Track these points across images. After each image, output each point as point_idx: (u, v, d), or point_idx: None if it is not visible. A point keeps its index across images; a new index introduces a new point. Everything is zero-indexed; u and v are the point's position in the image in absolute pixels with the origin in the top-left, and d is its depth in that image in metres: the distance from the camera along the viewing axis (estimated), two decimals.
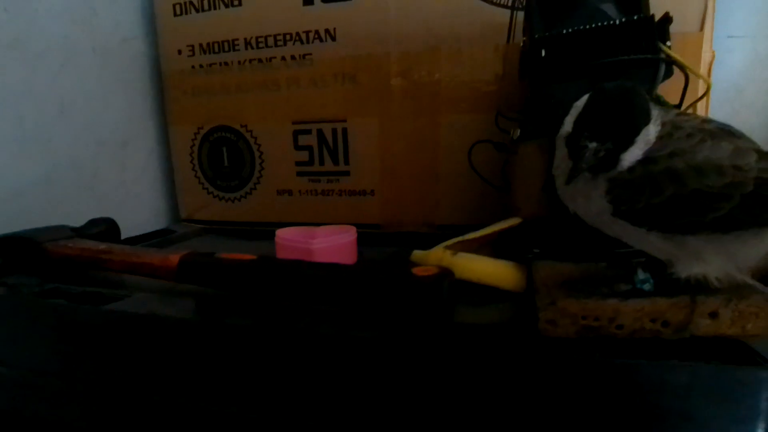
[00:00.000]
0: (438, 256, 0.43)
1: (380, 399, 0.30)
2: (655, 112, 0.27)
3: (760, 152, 0.26)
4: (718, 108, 1.18)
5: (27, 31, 0.52)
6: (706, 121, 0.27)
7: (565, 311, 0.29)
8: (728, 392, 0.26)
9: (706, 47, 0.93)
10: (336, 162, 0.61)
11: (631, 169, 0.26)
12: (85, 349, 0.37)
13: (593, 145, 0.25)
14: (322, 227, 0.55)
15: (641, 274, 0.28)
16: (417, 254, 0.46)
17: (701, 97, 0.41)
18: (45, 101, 0.55)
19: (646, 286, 0.28)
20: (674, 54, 0.38)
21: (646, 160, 0.26)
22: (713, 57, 0.92)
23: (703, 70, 0.93)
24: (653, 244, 0.27)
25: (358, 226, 0.59)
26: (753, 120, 1.21)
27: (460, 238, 0.45)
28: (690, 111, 0.48)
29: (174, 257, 0.40)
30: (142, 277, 0.41)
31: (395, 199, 0.61)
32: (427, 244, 0.45)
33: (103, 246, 0.44)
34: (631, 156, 0.26)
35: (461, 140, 0.57)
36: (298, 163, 0.63)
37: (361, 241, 0.56)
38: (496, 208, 0.54)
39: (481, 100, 0.55)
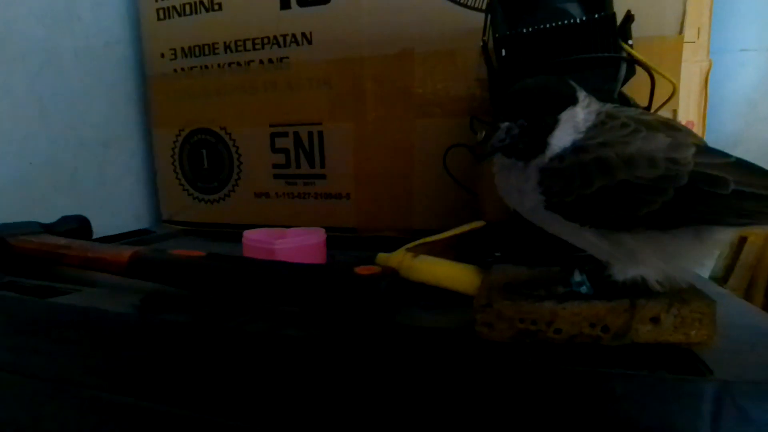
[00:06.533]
0: (399, 258, 0.42)
1: (314, 396, 0.29)
2: (587, 100, 0.26)
3: (699, 147, 0.24)
4: (730, 122, 1.15)
5: (6, 33, 0.53)
6: (646, 113, 0.26)
7: (501, 314, 0.28)
8: (667, 403, 0.24)
9: (702, 56, 0.91)
10: (312, 165, 0.61)
11: (561, 157, 0.25)
12: (30, 341, 0.37)
13: (505, 124, 0.25)
14: (291, 229, 0.55)
15: (577, 276, 0.27)
16: (381, 256, 0.45)
17: (669, 99, 0.40)
18: (24, 102, 0.56)
19: (583, 289, 0.27)
20: (636, 53, 0.37)
21: (578, 149, 0.25)
22: (710, 65, 0.90)
23: (699, 79, 0.91)
24: (589, 242, 0.26)
25: (334, 229, 0.59)
26: (766, 134, 1.17)
27: (421, 241, 0.44)
28: (665, 113, 0.46)
29: (126, 253, 0.39)
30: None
31: (370, 202, 0.60)
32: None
33: (63, 241, 0.44)
34: (559, 140, 0.25)
35: (436, 144, 0.56)
36: (275, 166, 0.63)
37: (337, 244, 0.55)
38: (470, 212, 0.53)
39: (456, 104, 0.55)
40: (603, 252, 0.26)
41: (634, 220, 0.24)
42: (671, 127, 0.26)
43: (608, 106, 0.27)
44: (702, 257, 0.25)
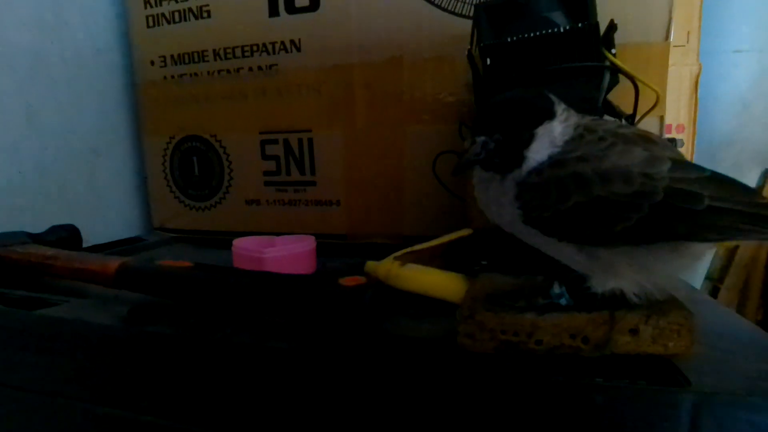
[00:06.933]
0: (387, 267, 0.42)
1: (301, 407, 0.29)
2: (565, 114, 0.26)
3: (675, 160, 0.25)
4: (724, 123, 1.15)
5: None
6: (624, 126, 0.26)
7: (483, 325, 0.28)
8: (646, 414, 0.25)
9: (692, 59, 0.91)
10: (302, 172, 0.61)
11: (539, 172, 0.25)
12: (17, 353, 0.37)
13: (481, 138, 0.25)
14: (281, 237, 0.55)
15: (557, 288, 0.27)
16: (370, 265, 0.45)
17: (653, 107, 0.40)
18: (12, 109, 0.56)
19: (562, 301, 0.27)
20: (619, 62, 0.37)
21: (555, 163, 0.25)
22: (700, 69, 0.90)
23: (689, 82, 0.91)
24: (567, 255, 0.26)
25: (324, 236, 0.59)
26: (760, 135, 1.17)
27: (409, 249, 0.45)
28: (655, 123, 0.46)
29: (113, 264, 0.39)
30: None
31: (361, 209, 0.60)
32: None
33: (50, 252, 0.44)
34: (537, 154, 0.25)
35: (425, 151, 0.56)
36: (265, 173, 0.63)
37: (327, 251, 0.55)
38: (460, 218, 0.53)
39: (445, 111, 0.55)
40: (581, 265, 0.26)
41: (611, 236, 0.24)
42: (648, 140, 0.26)
43: (587, 119, 0.27)
44: (679, 270, 0.25)
